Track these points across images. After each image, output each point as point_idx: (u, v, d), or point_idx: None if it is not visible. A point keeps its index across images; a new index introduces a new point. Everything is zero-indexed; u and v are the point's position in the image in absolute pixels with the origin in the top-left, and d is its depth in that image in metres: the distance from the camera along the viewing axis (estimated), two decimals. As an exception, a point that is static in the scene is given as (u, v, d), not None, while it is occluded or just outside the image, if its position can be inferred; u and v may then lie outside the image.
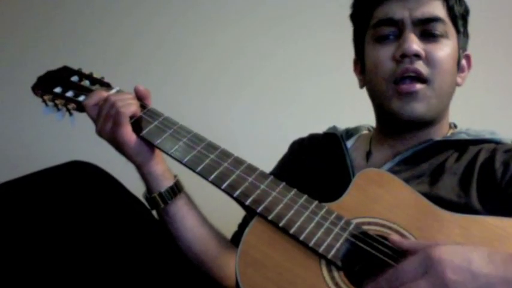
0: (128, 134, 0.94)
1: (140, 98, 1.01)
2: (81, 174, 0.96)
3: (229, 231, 1.13)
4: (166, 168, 1.00)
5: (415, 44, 0.99)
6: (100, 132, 0.97)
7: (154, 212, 1.01)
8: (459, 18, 1.06)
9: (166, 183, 0.98)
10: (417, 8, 1.01)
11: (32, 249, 0.87)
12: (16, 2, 1.94)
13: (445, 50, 1.02)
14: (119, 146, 0.96)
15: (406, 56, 0.99)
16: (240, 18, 1.83)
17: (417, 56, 0.99)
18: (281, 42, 1.79)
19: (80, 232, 0.90)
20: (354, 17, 1.14)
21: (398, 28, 1.02)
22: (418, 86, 0.99)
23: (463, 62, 1.10)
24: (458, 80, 1.09)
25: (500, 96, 1.65)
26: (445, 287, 0.65)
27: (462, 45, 1.08)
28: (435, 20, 1.01)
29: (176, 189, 0.99)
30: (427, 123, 1.04)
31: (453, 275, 0.65)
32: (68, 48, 1.85)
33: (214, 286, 1.01)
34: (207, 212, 1.06)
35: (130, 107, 0.96)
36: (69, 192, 0.93)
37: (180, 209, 1.00)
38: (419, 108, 1.00)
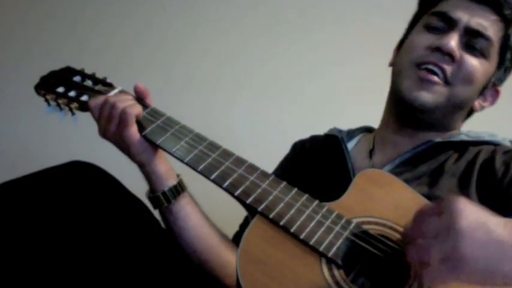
0: (134, 134, 0.95)
1: (140, 96, 1.01)
2: (81, 175, 0.95)
3: (230, 230, 1.13)
4: (169, 168, 1.00)
5: (454, 43, 0.99)
6: (104, 133, 0.97)
7: (154, 212, 1.01)
8: (509, 51, 1.05)
9: (169, 183, 0.99)
10: (476, 17, 1.01)
11: (32, 249, 0.87)
12: (17, 2, 1.94)
13: (478, 66, 1.02)
14: (124, 146, 0.96)
15: (440, 51, 1.00)
16: (240, 19, 1.83)
17: (450, 56, 1.00)
18: (281, 42, 1.79)
19: (80, 232, 0.89)
20: (420, 1, 1.13)
21: (449, 26, 1.02)
22: (437, 79, 1.00)
23: (489, 92, 1.09)
24: (476, 104, 1.08)
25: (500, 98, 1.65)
26: (454, 229, 0.64)
27: (497, 77, 1.07)
28: (484, 37, 1.01)
29: (179, 188, 1.00)
30: (428, 121, 1.04)
31: (466, 221, 0.64)
32: (69, 49, 1.86)
33: (215, 285, 1.01)
34: (209, 212, 1.06)
35: (136, 108, 0.96)
36: (70, 193, 0.92)
37: (183, 208, 1.00)
38: (426, 97, 1.00)
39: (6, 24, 1.93)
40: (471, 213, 0.65)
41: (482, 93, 1.07)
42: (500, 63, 1.06)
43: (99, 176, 0.98)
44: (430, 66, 1.00)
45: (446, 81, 1.01)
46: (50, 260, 0.87)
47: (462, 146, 1.04)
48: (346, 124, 1.24)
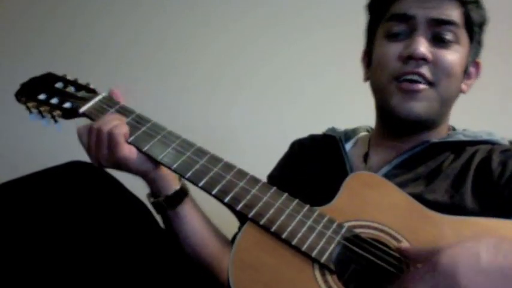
0: (127, 151, 0.93)
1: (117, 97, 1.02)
2: (80, 175, 0.95)
3: (230, 231, 1.13)
4: (171, 172, 0.98)
5: (423, 46, 0.98)
6: (98, 161, 0.95)
7: (154, 212, 1.01)
8: (475, 26, 1.04)
9: (173, 187, 0.99)
10: (434, 8, 0.99)
11: (32, 249, 0.87)
12: (17, 2, 1.94)
13: (454, 56, 1.00)
14: (122, 165, 0.95)
15: (413, 58, 0.98)
16: (240, 18, 1.83)
17: (424, 59, 0.98)
18: (281, 42, 1.79)
19: (80, 232, 0.89)
20: (370, 8, 1.12)
21: (410, 26, 1.01)
22: (421, 86, 0.99)
23: (471, 69, 1.08)
24: (463, 86, 1.07)
25: (498, 96, 1.65)
26: None
27: (473, 53, 1.06)
28: (449, 23, 1.00)
29: (182, 192, 1.00)
30: (424, 125, 1.03)
31: (464, 279, 0.64)
32: (68, 49, 1.86)
33: (215, 286, 1.01)
34: (207, 213, 1.06)
35: (122, 127, 0.95)
36: (69, 193, 0.92)
37: (187, 212, 1.00)
38: (418, 107, 0.99)
39: (7, 24, 1.93)
40: (463, 264, 0.65)
41: (465, 74, 1.06)
42: (471, 40, 1.04)
43: (99, 176, 0.97)
44: (409, 76, 0.99)
45: (430, 83, 0.99)
46: (50, 260, 0.87)
47: (459, 146, 1.03)
48: (346, 124, 1.24)
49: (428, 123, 1.04)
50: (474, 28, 1.03)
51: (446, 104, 1.04)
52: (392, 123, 1.06)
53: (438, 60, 0.99)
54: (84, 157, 0.99)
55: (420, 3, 1.00)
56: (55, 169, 0.96)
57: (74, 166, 0.97)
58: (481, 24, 1.06)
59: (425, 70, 0.99)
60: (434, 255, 0.68)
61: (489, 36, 1.59)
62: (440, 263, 0.66)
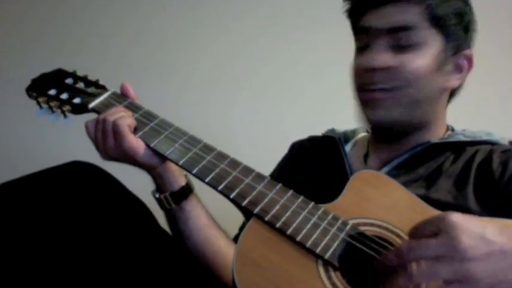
0: (134, 141, 0.95)
1: (125, 94, 1.03)
2: (81, 175, 0.95)
3: (233, 233, 1.13)
4: (177, 168, 1.00)
5: (375, 57, 0.97)
6: (106, 153, 0.97)
7: (154, 212, 1.01)
8: (446, 19, 0.99)
9: (179, 183, 1.00)
10: (387, 17, 0.98)
11: (32, 249, 0.87)
12: (17, 2, 1.94)
13: (416, 60, 0.97)
14: (130, 157, 0.96)
15: (372, 69, 0.98)
16: (240, 18, 1.83)
17: (381, 69, 0.97)
18: (281, 42, 1.79)
19: (80, 232, 0.89)
20: (350, 23, 1.12)
21: (369, 38, 1.00)
22: (378, 95, 0.98)
23: (461, 62, 1.03)
24: (453, 82, 1.04)
25: (498, 96, 1.65)
26: (457, 249, 0.64)
27: (453, 47, 1.01)
28: (405, 29, 0.97)
29: (187, 188, 1.00)
30: (404, 128, 1.02)
31: (466, 238, 0.64)
32: (69, 48, 1.86)
33: (217, 286, 1.01)
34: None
35: (127, 118, 0.96)
36: (70, 193, 0.92)
37: (192, 208, 1.01)
38: (380, 114, 0.99)
39: (7, 23, 1.93)
40: (468, 228, 0.65)
41: (443, 70, 1.01)
42: (446, 34, 1.00)
43: (100, 176, 0.97)
44: (366, 87, 1.00)
45: (388, 90, 0.98)
46: (50, 260, 0.86)
47: (459, 147, 1.03)
48: (346, 124, 1.24)
49: (409, 125, 1.02)
50: (444, 22, 0.99)
51: (422, 104, 1.00)
52: (377, 132, 1.08)
53: (400, 66, 0.97)
54: (84, 157, 0.99)
55: (377, 13, 0.99)
56: (56, 169, 0.96)
57: (74, 166, 0.97)
58: (454, 15, 1.00)
59: (380, 78, 0.98)
60: (442, 214, 0.67)
61: (489, 36, 1.59)
62: (448, 218, 0.66)
